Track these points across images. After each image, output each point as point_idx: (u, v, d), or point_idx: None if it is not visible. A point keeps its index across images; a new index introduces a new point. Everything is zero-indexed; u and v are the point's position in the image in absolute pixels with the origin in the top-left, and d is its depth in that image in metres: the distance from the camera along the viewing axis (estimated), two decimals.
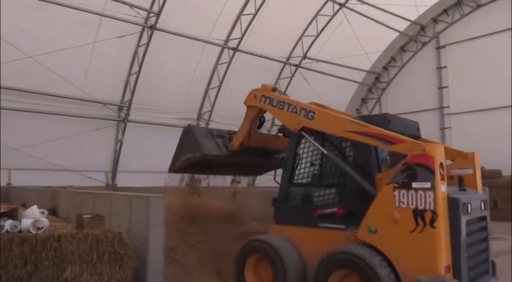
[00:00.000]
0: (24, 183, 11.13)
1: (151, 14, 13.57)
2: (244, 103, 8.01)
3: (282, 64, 17.83)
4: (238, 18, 15.48)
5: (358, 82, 20.89)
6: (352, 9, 17.41)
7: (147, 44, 13.82)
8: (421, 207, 5.27)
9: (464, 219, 5.37)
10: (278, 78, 17.92)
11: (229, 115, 16.10)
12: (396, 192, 5.45)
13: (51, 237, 5.32)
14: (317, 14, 17.23)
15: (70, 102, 13.23)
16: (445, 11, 19.47)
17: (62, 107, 13.09)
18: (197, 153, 7.71)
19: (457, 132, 18.40)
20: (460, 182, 6.06)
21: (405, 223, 5.34)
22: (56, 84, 12.51)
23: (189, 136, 8.01)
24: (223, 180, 10.49)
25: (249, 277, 6.71)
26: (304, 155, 7.07)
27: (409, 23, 19.53)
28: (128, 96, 14.36)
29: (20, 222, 5.46)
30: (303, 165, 7.09)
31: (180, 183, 9.67)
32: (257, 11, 15.36)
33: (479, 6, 18.55)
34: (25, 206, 7.54)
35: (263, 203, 9.77)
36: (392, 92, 21.22)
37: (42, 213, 6.14)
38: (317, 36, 17.70)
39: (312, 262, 6.17)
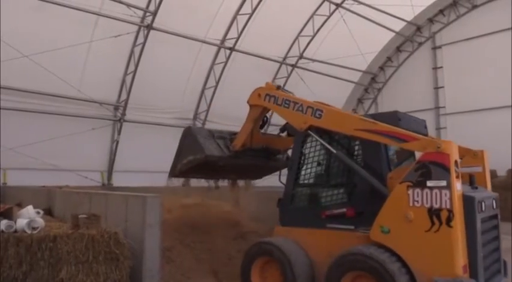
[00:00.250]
0: (19, 183, 11.10)
1: (148, 14, 13.54)
2: (248, 102, 7.85)
3: (278, 64, 17.84)
4: (234, 18, 15.47)
5: (354, 82, 20.93)
6: (348, 10, 17.43)
7: (144, 44, 13.79)
8: (436, 206, 5.15)
9: (479, 218, 5.28)
10: (274, 78, 17.92)
11: (226, 115, 16.14)
12: (410, 191, 5.33)
13: (47, 237, 5.30)
14: (313, 14, 17.24)
15: (66, 102, 13.19)
16: (441, 11, 19.52)
17: (57, 107, 13.05)
18: (199, 155, 7.51)
19: (453, 132, 18.44)
20: (471, 180, 5.95)
21: (420, 222, 5.22)
22: (51, 84, 12.47)
23: (189, 138, 7.83)
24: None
25: (255, 280, 6.57)
26: (311, 155, 6.92)
27: (405, 23, 19.58)
28: (124, 96, 14.34)
29: (15, 222, 5.44)
30: (309, 165, 6.94)
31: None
32: (253, 10, 15.36)
33: (475, 6, 18.61)
34: (20, 205, 7.51)
35: (260, 203, 9.79)
36: (389, 92, 21.27)
37: (38, 213, 6.14)
38: (313, 36, 17.72)
39: (320, 263, 6.09)
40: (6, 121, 11.69)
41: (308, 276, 6.21)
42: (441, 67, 19.66)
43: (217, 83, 16.27)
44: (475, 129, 17.25)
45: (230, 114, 16.20)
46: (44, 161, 12.38)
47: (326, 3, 17.02)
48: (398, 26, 19.59)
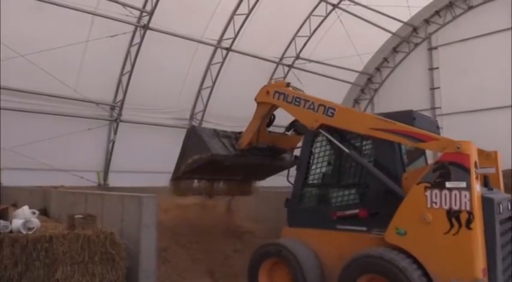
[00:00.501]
0: (15, 183, 11.04)
1: (144, 13, 13.52)
2: (255, 99, 7.69)
3: (275, 64, 17.83)
4: (231, 18, 15.46)
5: (350, 83, 20.96)
6: (345, 10, 17.46)
7: (140, 44, 13.76)
8: (455, 207, 5.03)
9: (497, 220, 5.17)
10: (271, 79, 17.90)
11: (223, 115, 16.15)
12: (428, 193, 5.21)
13: (42, 238, 5.29)
14: (310, 14, 17.25)
15: (62, 102, 13.13)
16: (437, 12, 19.58)
17: (53, 107, 12.99)
18: (204, 154, 7.34)
19: (449, 133, 18.42)
20: (486, 182, 5.81)
21: (438, 224, 5.11)
22: (47, 84, 12.41)
23: (194, 137, 7.65)
24: None
25: None
26: (321, 154, 6.77)
27: (401, 24, 19.62)
28: (120, 96, 14.30)
29: (10, 223, 5.43)
30: (319, 165, 6.79)
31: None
32: (250, 11, 15.35)
33: (470, 7, 18.68)
34: (16, 206, 7.49)
35: (257, 203, 9.79)
36: (385, 93, 21.31)
37: (33, 213, 6.11)
38: (310, 37, 17.73)
39: (330, 265, 6.00)
40: (1, 121, 11.64)
41: (318, 278, 6.09)
42: (437, 68, 19.72)
43: (214, 83, 16.25)
44: (471, 129, 17.28)
45: (227, 114, 16.23)
46: (40, 161, 12.34)
47: (323, 4, 17.04)
48: (395, 26, 19.64)
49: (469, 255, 4.91)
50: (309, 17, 17.30)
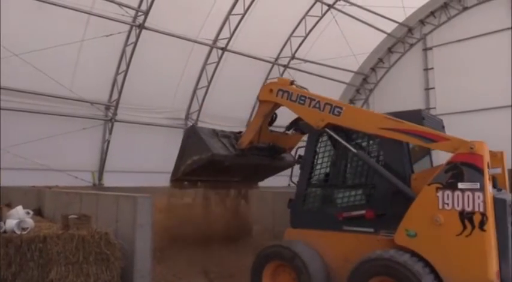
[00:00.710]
0: (9, 183, 10.97)
1: (140, 13, 13.48)
2: (257, 97, 7.52)
3: (270, 64, 17.84)
4: (227, 18, 15.45)
5: (346, 83, 21.00)
6: (340, 11, 17.49)
7: (135, 43, 13.72)
8: (468, 209, 4.93)
9: (509, 221, 5.09)
10: (266, 79, 17.90)
11: (218, 115, 16.14)
12: (439, 193, 5.12)
13: (37, 238, 5.28)
14: (305, 14, 17.27)
15: (57, 101, 13.08)
16: (432, 13, 19.66)
17: (48, 106, 12.93)
18: (204, 154, 7.18)
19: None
20: (494, 182, 5.63)
21: (450, 226, 5.01)
22: (42, 83, 12.35)
23: (193, 137, 7.49)
24: None
25: None
26: (326, 154, 6.64)
27: (396, 24, 19.68)
28: (115, 96, 14.25)
29: (4, 223, 5.41)
30: (324, 165, 6.66)
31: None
32: (246, 11, 15.35)
33: (465, 8, 18.77)
34: (10, 206, 7.45)
35: (253, 203, 9.77)
36: (380, 93, 21.37)
37: (27, 213, 6.09)
38: (305, 37, 17.76)
39: (335, 267, 5.92)
40: None
41: (324, 280, 6.00)
42: (432, 68, 19.80)
43: (209, 83, 16.24)
44: (466, 130, 17.23)
45: (222, 114, 16.24)
46: (34, 160, 12.28)
47: (318, 4, 17.06)
48: (390, 27, 19.70)
49: (483, 258, 4.83)
50: (304, 17, 17.32)
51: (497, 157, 6.23)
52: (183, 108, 16.32)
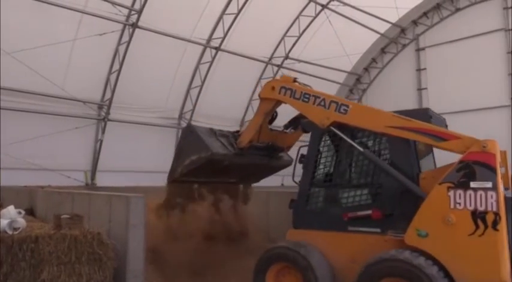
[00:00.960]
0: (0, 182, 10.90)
1: (133, 12, 13.43)
2: (259, 95, 7.37)
3: (264, 64, 17.85)
4: (220, 17, 15.43)
5: (339, 83, 21.07)
6: (333, 11, 17.54)
7: (129, 42, 13.67)
8: (481, 208, 4.89)
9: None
10: (260, 78, 17.93)
11: (211, 115, 16.10)
12: (451, 193, 5.06)
13: (28, 238, 5.25)
14: (299, 14, 17.30)
15: (49, 100, 12.99)
16: (425, 13, 19.78)
17: (40, 105, 12.84)
18: (203, 153, 6.93)
19: None
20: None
21: (462, 226, 4.96)
22: (34, 82, 12.27)
23: (191, 136, 7.23)
24: None
25: None
26: (330, 153, 6.52)
27: (389, 25, 19.78)
28: (108, 95, 14.18)
29: None
30: (328, 164, 6.53)
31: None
32: (240, 10, 15.34)
33: (458, 9, 18.90)
34: (1, 206, 7.39)
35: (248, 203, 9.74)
36: (373, 93, 21.46)
37: (19, 213, 6.05)
38: (299, 37, 17.78)
39: (341, 268, 5.83)
40: None
41: (330, 281, 5.90)
42: (425, 69, 19.91)
43: (203, 82, 16.21)
44: (458, 130, 17.49)
45: (216, 114, 16.21)
46: (26, 160, 12.18)
47: (312, 4, 17.09)
48: (383, 27, 19.79)
49: (496, 258, 4.78)
50: (298, 17, 17.35)
51: (501, 157, 6.12)
52: (176, 107, 16.28)
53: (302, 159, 6.76)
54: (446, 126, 6.82)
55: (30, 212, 7.94)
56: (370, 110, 6.22)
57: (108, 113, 14.28)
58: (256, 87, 17.97)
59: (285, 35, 17.62)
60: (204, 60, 16.05)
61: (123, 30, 13.72)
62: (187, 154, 7.18)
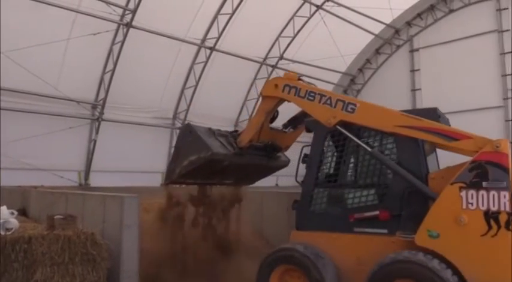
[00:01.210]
0: None
1: (127, 12, 13.39)
2: (261, 93, 7.15)
3: (258, 64, 17.85)
4: (215, 17, 15.42)
5: (333, 83, 21.11)
6: (328, 11, 17.58)
7: (123, 42, 13.62)
8: (494, 208, 4.83)
9: None
10: (255, 79, 17.95)
11: (206, 115, 16.07)
12: (463, 193, 5.00)
13: (21, 239, 5.22)
14: (294, 15, 17.32)
15: (43, 100, 12.92)
16: (419, 15, 19.88)
17: (34, 105, 12.76)
18: (203, 153, 6.74)
19: None
20: None
21: (475, 226, 4.90)
22: (28, 82, 12.19)
23: (189, 136, 7.02)
24: None
25: None
26: (334, 152, 6.39)
27: (384, 26, 19.86)
28: (102, 95, 14.13)
29: None
30: (333, 164, 6.41)
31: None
32: (234, 11, 15.34)
33: (451, 11, 19.01)
34: None
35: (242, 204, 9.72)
36: (367, 94, 21.51)
37: (12, 213, 6.01)
38: (294, 37, 17.80)
39: (347, 270, 5.75)
40: None
41: None
42: (418, 70, 20.01)
43: (197, 82, 16.18)
44: None
45: (210, 114, 16.18)
46: (20, 160, 12.12)
47: (306, 5, 17.12)
48: (377, 28, 19.86)
49: (509, 258, 4.72)
50: (292, 17, 17.37)
51: None
52: (170, 107, 16.24)
53: (305, 159, 6.64)
54: (449, 126, 6.69)
55: (23, 213, 7.90)
56: (378, 109, 6.04)
57: (102, 113, 14.22)
58: (250, 88, 18.00)
59: (279, 35, 17.64)
60: (198, 60, 16.03)
61: (117, 30, 13.67)
62: (185, 154, 7.00)
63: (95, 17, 12.81)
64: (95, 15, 12.75)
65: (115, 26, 13.56)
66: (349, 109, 5.99)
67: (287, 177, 9.00)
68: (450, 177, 5.28)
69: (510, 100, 17.39)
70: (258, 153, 7.39)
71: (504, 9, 17.51)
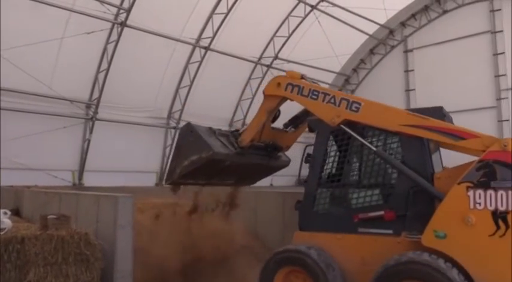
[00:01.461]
0: None
1: (122, 11, 13.34)
2: (263, 92, 7.02)
3: (253, 64, 17.85)
4: (210, 17, 15.40)
5: (328, 83, 21.14)
6: (323, 12, 17.61)
7: (117, 41, 13.56)
8: (502, 208, 4.78)
9: None
10: (249, 78, 17.95)
11: (200, 114, 16.04)
12: (470, 193, 4.94)
13: (14, 239, 5.19)
14: (289, 15, 17.33)
15: (36, 99, 12.84)
16: (413, 15, 19.97)
17: (27, 104, 12.67)
18: (204, 153, 6.66)
19: None
20: None
21: (483, 226, 4.85)
22: (21, 81, 12.12)
23: (190, 136, 6.93)
24: None
25: None
26: (338, 152, 6.30)
27: (378, 26, 19.93)
28: (96, 94, 14.07)
29: None
30: (337, 164, 6.34)
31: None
32: (229, 10, 15.33)
33: (445, 12, 19.11)
34: None
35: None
36: (362, 94, 21.53)
37: (5, 213, 5.97)
38: (288, 37, 17.82)
39: (352, 271, 5.70)
40: None
41: None
42: (412, 70, 20.10)
43: (192, 82, 16.16)
44: None
45: (205, 113, 16.15)
46: (13, 159, 12.04)
47: (301, 5, 17.14)
48: (372, 29, 19.93)
49: None
50: (287, 17, 17.38)
51: None
52: (165, 107, 16.20)
53: (308, 158, 6.58)
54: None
55: (16, 213, 7.86)
56: (383, 108, 5.95)
57: (96, 113, 14.17)
58: (245, 87, 18.00)
59: (274, 35, 17.64)
60: (193, 59, 16.00)
61: (111, 29, 13.61)
62: (186, 154, 6.93)
63: (89, 16, 12.75)
64: (89, 14, 12.69)
65: (109, 25, 13.50)
66: (353, 108, 5.93)
67: (282, 177, 9.00)
68: (456, 176, 5.23)
69: (503, 101, 17.52)
70: (259, 153, 7.33)
71: (497, 10, 17.63)
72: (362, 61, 21.44)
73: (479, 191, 4.93)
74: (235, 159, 7.03)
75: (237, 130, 7.66)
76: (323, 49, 17.93)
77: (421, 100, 19.53)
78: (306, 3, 17.16)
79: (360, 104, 5.93)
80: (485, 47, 17.84)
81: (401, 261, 5.12)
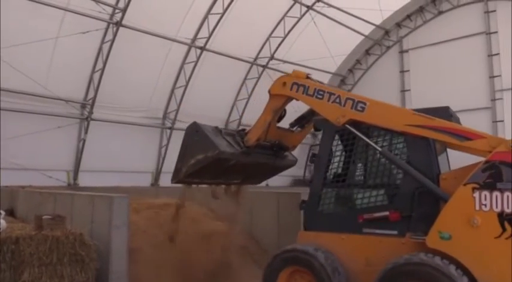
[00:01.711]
0: None
1: (117, 10, 13.31)
2: (268, 91, 7.02)
3: (249, 64, 17.86)
4: (205, 17, 15.40)
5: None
6: (319, 12, 17.64)
7: (112, 41, 13.53)
8: (508, 210, 4.72)
9: None
10: (245, 79, 17.95)
11: (196, 115, 15.98)
12: (476, 194, 4.88)
13: (8, 239, 5.17)
14: (285, 15, 17.36)
15: (31, 99, 12.78)
16: (408, 16, 20.06)
17: (22, 104, 12.61)
18: (210, 152, 6.65)
19: None
20: None
21: (488, 228, 4.80)
22: (16, 80, 12.05)
23: (197, 134, 6.92)
24: None
25: None
26: (343, 152, 6.27)
27: (374, 27, 20.00)
28: (91, 94, 14.03)
29: None
30: (342, 163, 6.30)
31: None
32: (225, 10, 15.33)
33: (440, 12, 19.21)
34: None
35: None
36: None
37: None
38: (284, 38, 17.84)
39: (356, 272, 5.68)
40: None
41: None
42: (408, 71, 20.18)
43: (188, 82, 16.14)
44: None
45: (200, 114, 16.10)
46: (7, 160, 11.97)
47: (297, 5, 17.17)
48: (368, 29, 19.99)
49: None
50: (283, 18, 17.40)
51: None
52: (160, 107, 16.18)
53: (313, 158, 6.56)
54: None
55: (10, 213, 7.83)
56: (389, 108, 5.95)
57: (91, 112, 14.12)
58: (240, 88, 18.01)
59: (270, 35, 17.66)
60: (188, 59, 15.99)
61: (106, 29, 13.57)
62: (192, 153, 6.91)
63: (85, 16, 12.71)
64: (84, 13, 12.65)
65: (105, 24, 13.47)
66: (358, 108, 5.91)
67: (278, 177, 9.01)
68: (462, 177, 5.19)
69: (498, 101, 17.63)
70: (265, 153, 7.34)
71: (492, 11, 17.75)
72: (358, 62, 21.50)
73: (485, 193, 4.88)
74: (241, 158, 7.04)
75: (243, 129, 7.66)
76: (319, 49, 17.96)
77: (416, 101, 19.59)
78: (301, 4, 17.18)
79: (365, 103, 5.91)
80: (480, 48, 17.95)
81: (412, 261, 5.06)
